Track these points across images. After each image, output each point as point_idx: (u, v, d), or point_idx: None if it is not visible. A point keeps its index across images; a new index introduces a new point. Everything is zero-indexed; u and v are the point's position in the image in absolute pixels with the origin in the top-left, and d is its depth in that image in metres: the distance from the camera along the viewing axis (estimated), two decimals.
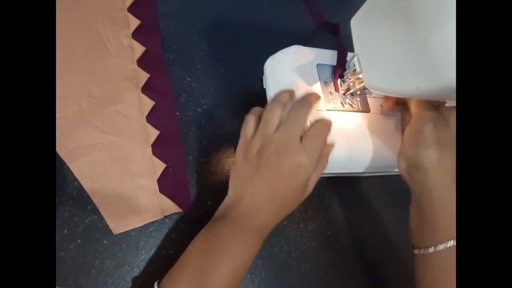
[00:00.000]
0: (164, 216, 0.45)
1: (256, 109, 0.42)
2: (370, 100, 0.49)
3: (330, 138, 0.44)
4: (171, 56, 0.54)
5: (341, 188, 0.55)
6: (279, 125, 0.38)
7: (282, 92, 0.41)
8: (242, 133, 0.41)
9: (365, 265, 0.52)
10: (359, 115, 0.47)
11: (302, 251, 0.50)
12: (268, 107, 0.40)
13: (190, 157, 0.49)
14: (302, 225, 0.51)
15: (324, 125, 0.40)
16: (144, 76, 0.51)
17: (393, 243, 0.55)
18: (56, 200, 0.42)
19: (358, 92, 0.47)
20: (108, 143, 0.46)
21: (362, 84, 0.43)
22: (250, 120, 0.41)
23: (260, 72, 0.52)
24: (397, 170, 0.52)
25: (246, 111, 0.54)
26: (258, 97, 0.52)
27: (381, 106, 0.49)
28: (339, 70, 0.44)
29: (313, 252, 0.50)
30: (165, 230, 0.45)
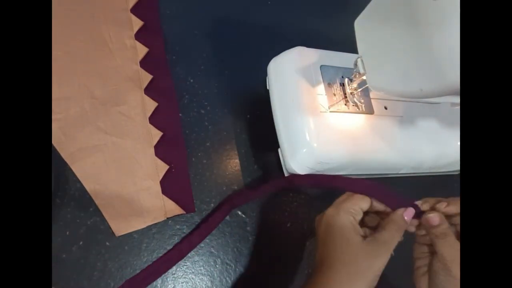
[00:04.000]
0: (167, 218, 0.45)
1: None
2: (373, 102, 0.48)
3: (334, 140, 0.43)
4: (174, 57, 0.54)
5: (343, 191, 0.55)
6: None
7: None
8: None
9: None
10: (363, 117, 0.47)
11: (307, 252, 0.49)
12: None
13: (193, 159, 0.49)
14: (305, 227, 0.51)
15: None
16: (147, 77, 0.51)
17: None
18: (58, 201, 0.42)
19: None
20: (111, 145, 0.46)
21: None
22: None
23: (264, 73, 0.52)
24: (400, 172, 0.52)
25: (250, 112, 0.54)
26: (261, 99, 0.52)
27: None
28: None
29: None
30: (167, 232, 0.45)
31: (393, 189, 0.38)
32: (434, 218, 0.34)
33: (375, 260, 0.32)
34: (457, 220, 0.36)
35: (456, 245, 0.33)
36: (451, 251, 0.33)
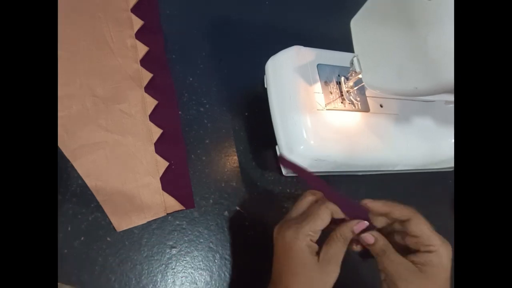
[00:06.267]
0: (167, 214, 0.45)
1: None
2: (369, 100, 0.49)
3: (331, 137, 0.44)
4: (173, 56, 0.55)
5: (340, 187, 0.55)
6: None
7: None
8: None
9: (366, 263, 0.53)
10: (359, 115, 0.48)
11: None
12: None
13: (193, 156, 0.50)
14: None
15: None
16: (147, 75, 0.52)
17: None
18: (60, 197, 0.43)
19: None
20: (112, 142, 0.46)
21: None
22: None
23: (262, 72, 0.52)
24: (395, 168, 0.52)
25: (248, 110, 0.55)
26: (259, 97, 0.53)
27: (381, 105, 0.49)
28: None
29: None
30: (167, 227, 0.45)
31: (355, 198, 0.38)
32: (368, 237, 0.35)
33: (327, 276, 0.35)
34: (398, 226, 0.37)
35: (397, 259, 0.34)
36: (392, 266, 0.34)
